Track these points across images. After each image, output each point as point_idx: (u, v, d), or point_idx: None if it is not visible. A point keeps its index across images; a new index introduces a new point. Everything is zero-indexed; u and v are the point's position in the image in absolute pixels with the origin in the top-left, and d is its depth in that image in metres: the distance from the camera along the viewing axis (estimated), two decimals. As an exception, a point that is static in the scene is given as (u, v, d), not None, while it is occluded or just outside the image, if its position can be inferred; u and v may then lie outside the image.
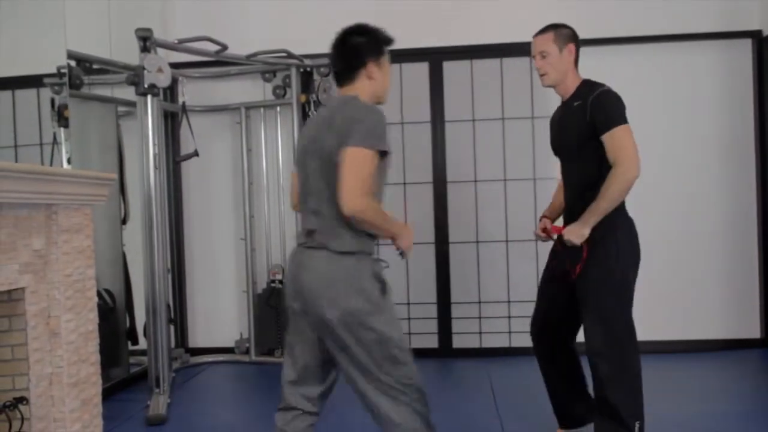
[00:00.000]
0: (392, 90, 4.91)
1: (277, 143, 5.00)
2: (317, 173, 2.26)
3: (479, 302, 4.84)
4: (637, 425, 2.66)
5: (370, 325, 2.17)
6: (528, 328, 4.80)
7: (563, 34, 2.86)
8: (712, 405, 3.62)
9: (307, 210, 2.31)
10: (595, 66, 4.78)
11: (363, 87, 2.38)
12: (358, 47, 2.39)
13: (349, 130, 2.17)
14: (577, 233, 2.65)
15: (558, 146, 2.96)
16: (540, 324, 3.04)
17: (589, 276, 2.73)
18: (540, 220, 3.05)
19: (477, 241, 4.80)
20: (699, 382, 4.09)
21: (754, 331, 4.75)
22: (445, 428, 3.23)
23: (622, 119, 2.77)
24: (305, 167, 2.32)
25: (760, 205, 4.71)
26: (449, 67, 4.89)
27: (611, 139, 2.72)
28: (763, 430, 3.20)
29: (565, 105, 2.89)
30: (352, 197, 2.12)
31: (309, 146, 2.31)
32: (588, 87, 2.83)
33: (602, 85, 2.82)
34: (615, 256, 2.76)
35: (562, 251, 2.83)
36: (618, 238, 2.79)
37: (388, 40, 2.46)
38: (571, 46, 2.85)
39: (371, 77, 2.38)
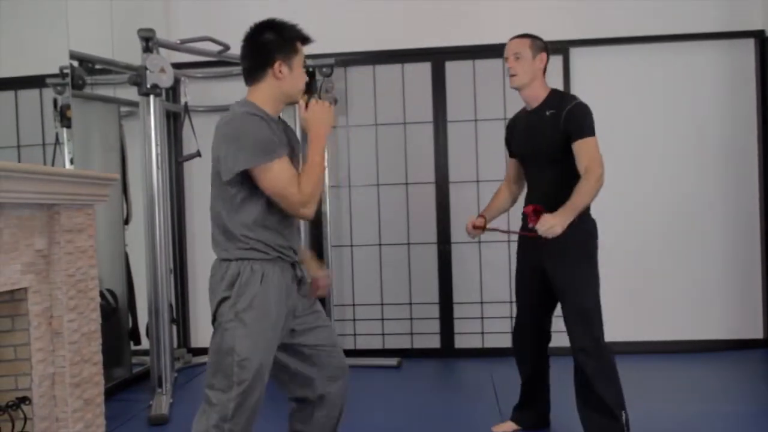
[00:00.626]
0: (395, 90, 4.94)
1: (280, 143, 5.00)
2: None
3: (481, 302, 4.84)
4: (623, 414, 2.85)
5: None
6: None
7: (538, 43, 2.99)
8: (714, 405, 3.62)
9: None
10: (595, 66, 4.81)
11: (269, 86, 2.28)
12: (266, 44, 2.28)
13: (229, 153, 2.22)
14: (561, 223, 2.74)
15: (527, 152, 3.09)
16: (526, 330, 3.20)
17: (574, 276, 2.92)
18: (477, 218, 3.19)
19: (479, 242, 4.80)
20: (701, 383, 4.09)
21: (757, 332, 4.74)
22: (447, 429, 3.24)
23: (592, 131, 2.98)
24: None
25: (763, 205, 4.70)
26: (451, 67, 4.89)
27: (585, 148, 2.90)
28: (765, 430, 3.20)
29: (535, 112, 3.01)
30: (300, 211, 2.21)
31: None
32: (559, 97, 2.99)
33: (574, 97, 2.99)
34: (593, 256, 3.00)
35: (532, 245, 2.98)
36: (594, 240, 3.04)
37: (301, 37, 2.35)
38: (543, 56, 2.99)
39: (278, 77, 2.26)
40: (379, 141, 4.97)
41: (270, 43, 2.28)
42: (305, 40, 2.36)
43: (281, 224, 2.29)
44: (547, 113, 2.96)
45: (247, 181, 2.21)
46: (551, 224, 2.71)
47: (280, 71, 2.25)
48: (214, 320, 2.32)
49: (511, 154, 3.26)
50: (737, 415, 3.41)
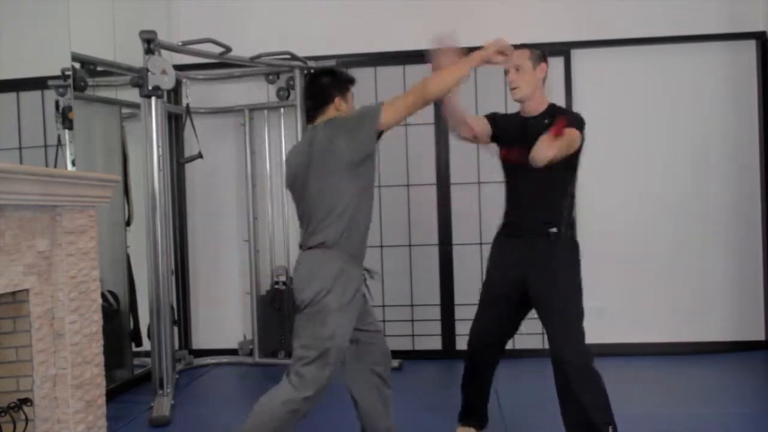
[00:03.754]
0: (396, 91, 4.89)
1: (281, 145, 5.00)
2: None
3: (483, 304, 4.83)
4: (610, 429, 2.73)
5: None
6: (530, 330, 4.80)
7: (537, 53, 2.96)
8: (716, 407, 3.61)
9: None
10: (596, 67, 4.81)
11: (331, 116, 2.73)
12: (325, 86, 2.74)
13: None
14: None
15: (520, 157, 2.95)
16: (484, 340, 3.13)
17: (559, 287, 2.90)
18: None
19: (480, 243, 4.80)
20: (703, 385, 4.08)
21: (759, 334, 4.73)
22: (448, 430, 3.24)
23: (580, 130, 2.91)
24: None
25: (765, 207, 4.70)
26: (453, 69, 4.88)
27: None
28: (767, 432, 3.20)
29: (534, 120, 2.96)
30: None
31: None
32: (559, 110, 3.00)
33: (572, 111, 3.04)
34: (578, 268, 2.98)
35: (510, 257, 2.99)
36: (577, 252, 3.00)
37: (351, 80, 2.83)
38: (543, 66, 2.97)
39: (338, 110, 2.73)
40: (380, 142, 4.95)
41: (329, 85, 2.75)
42: (353, 81, 2.84)
43: (367, 229, 2.70)
44: (545, 122, 2.90)
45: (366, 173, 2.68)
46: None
47: (339, 105, 2.74)
48: (305, 306, 2.62)
49: (494, 138, 3.14)
50: (739, 417, 3.40)
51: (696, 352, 4.70)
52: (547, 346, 4.93)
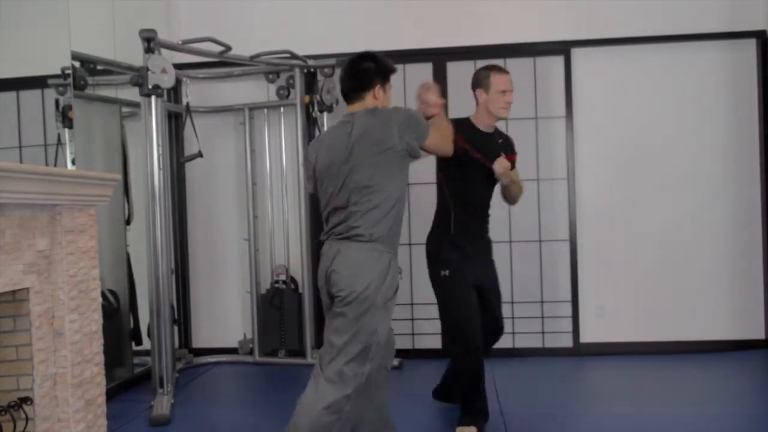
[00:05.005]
0: (395, 90, 4.91)
1: (281, 144, 5.00)
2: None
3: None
4: None
5: None
6: (529, 329, 4.83)
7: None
8: (716, 406, 3.61)
9: None
10: (596, 66, 4.81)
11: (369, 104, 2.71)
12: (368, 70, 2.73)
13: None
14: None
15: (483, 169, 3.26)
16: (479, 337, 3.21)
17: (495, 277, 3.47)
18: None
19: (481, 242, 4.80)
20: (703, 384, 4.08)
21: (759, 332, 4.73)
22: (448, 429, 3.24)
23: None
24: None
25: (765, 206, 4.70)
26: (453, 68, 4.88)
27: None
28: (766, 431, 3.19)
29: (490, 136, 3.33)
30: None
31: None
32: (498, 131, 3.45)
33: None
34: None
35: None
36: None
37: (393, 69, 2.81)
38: None
39: (376, 97, 2.71)
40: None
41: (371, 69, 2.76)
42: (395, 71, 2.83)
43: (401, 225, 2.71)
44: (499, 141, 3.37)
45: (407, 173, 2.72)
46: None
47: (378, 93, 2.74)
48: (350, 300, 2.50)
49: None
50: (738, 417, 3.40)
51: (696, 351, 4.70)
52: (547, 345, 4.97)
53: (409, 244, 4.92)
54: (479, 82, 3.24)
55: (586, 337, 4.82)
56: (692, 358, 4.58)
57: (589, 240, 4.82)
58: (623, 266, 4.79)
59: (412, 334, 4.92)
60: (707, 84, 4.75)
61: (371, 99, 2.69)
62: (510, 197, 3.40)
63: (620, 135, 4.79)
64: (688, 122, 4.76)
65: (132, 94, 4.19)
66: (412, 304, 4.91)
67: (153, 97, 3.88)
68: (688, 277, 4.76)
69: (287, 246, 4.99)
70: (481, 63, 4.81)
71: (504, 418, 3.44)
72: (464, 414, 3.23)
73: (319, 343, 4.82)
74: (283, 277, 4.91)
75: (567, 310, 4.82)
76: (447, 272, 3.18)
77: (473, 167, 3.23)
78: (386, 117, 2.61)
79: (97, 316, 3.25)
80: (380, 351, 2.56)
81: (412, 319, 4.91)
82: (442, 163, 3.26)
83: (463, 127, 3.23)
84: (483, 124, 3.28)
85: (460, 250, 3.23)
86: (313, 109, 4.78)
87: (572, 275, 4.80)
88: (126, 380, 4.28)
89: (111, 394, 3.76)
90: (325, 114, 4.79)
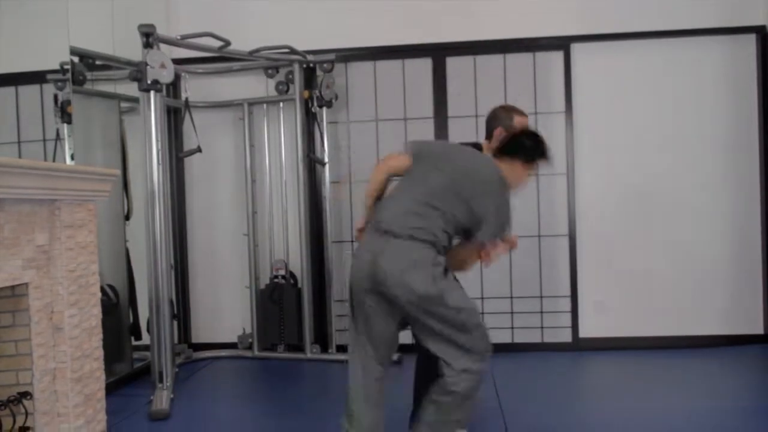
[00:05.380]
0: (395, 86, 4.94)
1: (280, 139, 5.00)
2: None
3: (482, 298, 4.84)
4: None
5: None
6: (528, 324, 4.81)
7: None
8: (715, 401, 3.62)
9: None
10: (596, 62, 4.81)
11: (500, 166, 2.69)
12: (523, 144, 2.73)
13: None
14: None
15: None
16: None
17: None
18: None
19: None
20: (702, 378, 4.09)
21: (757, 328, 4.74)
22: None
23: None
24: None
25: (764, 200, 4.70)
26: (452, 63, 4.88)
27: None
28: (765, 426, 3.20)
29: None
30: None
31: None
32: None
33: None
34: None
35: None
36: None
37: (543, 156, 2.75)
38: None
39: (510, 165, 2.69)
40: (379, 136, 4.97)
41: (525, 148, 2.72)
42: (544, 157, 2.77)
43: None
44: None
45: None
46: None
47: (512, 164, 2.71)
48: (436, 301, 2.49)
49: None
50: (736, 411, 3.41)
51: (695, 346, 4.71)
52: (546, 340, 4.97)
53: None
54: (500, 120, 3.11)
55: (585, 332, 4.83)
56: (691, 353, 4.58)
57: (588, 235, 4.82)
58: (622, 261, 4.79)
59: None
60: (707, 79, 4.75)
61: (506, 165, 2.68)
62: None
63: (620, 130, 4.79)
64: (687, 117, 4.76)
65: (131, 89, 4.18)
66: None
67: (152, 92, 3.88)
68: (687, 273, 4.77)
69: (286, 241, 4.99)
70: (481, 58, 4.87)
71: (503, 413, 3.45)
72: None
73: (317, 338, 4.84)
74: (282, 272, 4.91)
75: (566, 305, 4.83)
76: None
77: None
78: (498, 186, 2.63)
79: (97, 311, 3.25)
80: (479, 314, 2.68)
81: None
82: None
83: None
84: None
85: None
86: (313, 104, 4.78)
87: (571, 270, 4.80)
88: (125, 375, 4.28)
89: (110, 389, 3.76)
90: (324, 109, 4.79)
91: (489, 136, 3.14)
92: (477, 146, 3.12)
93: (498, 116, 3.12)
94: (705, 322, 4.77)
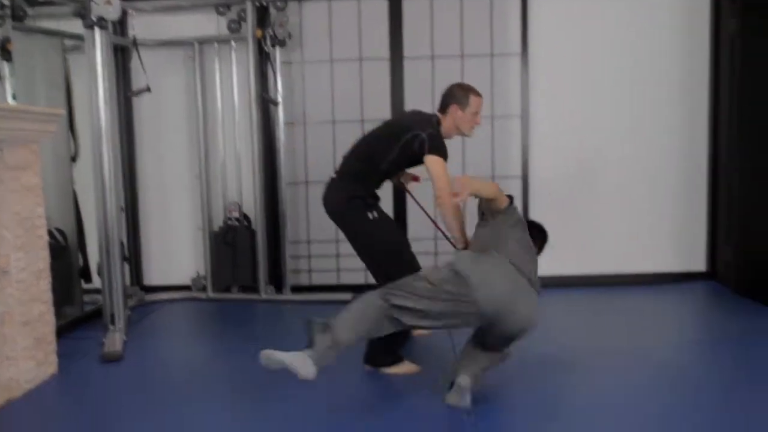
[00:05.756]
0: (350, 26, 4.85)
1: (233, 79, 4.90)
2: None
3: (435, 239, 4.89)
4: None
5: None
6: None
7: None
8: (660, 336, 3.77)
9: None
10: (553, 4, 4.79)
11: None
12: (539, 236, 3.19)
13: None
14: None
15: None
16: None
17: None
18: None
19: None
20: (647, 314, 4.23)
21: (700, 265, 4.92)
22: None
23: None
24: None
25: (711, 142, 4.81)
26: (408, 2, 4.80)
27: None
28: (709, 358, 3.34)
29: None
30: None
31: None
32: None
33: None
34: None
35: None
36: None
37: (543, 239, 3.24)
38: None
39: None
40: (334, 77, 4.90)
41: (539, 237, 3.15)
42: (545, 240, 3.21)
43: None
44: None
45: None
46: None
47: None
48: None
49: None
50: (682, 345, 3.56)
51: (640, 283, 4.86)
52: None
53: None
54: (457, 98, 3.26)
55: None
56: (636, 290, 4.73)
57: (539, 176, 4.89)
58: (572, 202, 4.88)
59: (365, 269, 4.96)
60: (662, 24, 4.77)
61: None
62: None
63: (575, 73, 4.82)
64: (641, 62, 4.80)
65: (75, 26, 4.03)
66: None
67: (97, 30, 3.75)
68: (634, 212, 4.89)
69: (240, 183, 4.95)
70: (438, 0, 4.80)
71: (456, 353, 3.53)
72: (388, 352, 3.28)
73: (272, 279, 4.86)
74: (236, 214, 4.89)
75: (517, 246, 4.92)
76: (374, 214, 3.22)
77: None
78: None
79: (44, 255, 3.22)
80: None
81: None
82: (402, 158, 3.24)
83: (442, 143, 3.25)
84: (446, 136, 3.31)
85: (378, 203, 3.32)
86: (266, 44, 4.68)
87: (523, 211, 4.88)
88: (77, 318, 4.25)
89: (62, 332, 3.75)
90: (277, 49, 4.70)
91: (443, 110, 3.29)
92: (434, 118, 3.27)
93: (455, 94, 3.28)
94: (649, 260, 4.92)
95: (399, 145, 3.18)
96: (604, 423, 2.65)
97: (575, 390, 3.02)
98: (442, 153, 3.16)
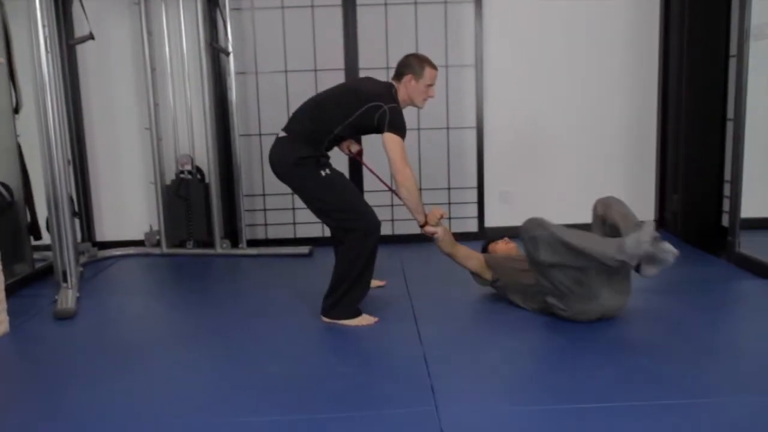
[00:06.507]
0: (301, -29, 4.73)
1: (181, 27, 4.73)
2: None
3: (392, 190, 4.87)
4: None
5: None
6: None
7: None
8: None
9: None
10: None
11: None
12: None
13: None
14: None
15: None
16: None
17: None
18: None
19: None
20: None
21: (650, 215, 5.04)
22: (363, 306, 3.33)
23: None
24: None
25: (660, 95, 4.88)
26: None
27: None
28: (661, 303, 3.44)
29: None
30: None
31: None
32: None
33: None
34: None
35: None
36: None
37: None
38: None
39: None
40: (286, 25, 4.78)
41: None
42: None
43: None
44: None
45: None
46: None
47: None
48: None
49: None
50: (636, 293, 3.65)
51: (592, 233, 4.95)
52: (454, 230, 5.09)
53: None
54: (412, 68, 3.26)
55: (490, 221, 4.99)
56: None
57: (494, 127, 4.90)
58: (527, 153, 4.92)
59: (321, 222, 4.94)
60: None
61: None
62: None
63: (528, 19, 4.80)
64: (592, 11, 4.80)
65: (11, -32, 3.82)
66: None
67: (35, -27, 3.56)
68: (587, 164, 4.97)
69: (191, 135, 4.83)
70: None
71: (412, 301, 3.56)
72: (347, 305, 3.26)
73: (227, 233, 4.79)
74: (188, 167, 4.79)
75: (473, 196, 4.95)
76: (327, 171, 3.20)
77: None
78: None
79: (-11, 210, 3.10)
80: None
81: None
82: (359, 126, 3.22)
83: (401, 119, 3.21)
84: (401, 104, 3.28)
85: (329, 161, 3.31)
86: (214, -10, 4.53)
87: (478, 162, 4.90)
88: (27, 275, 4.13)
89: (12, 290, 3.65)
90: (226, -5, 4.55)
91: (398, 78, 3.30)
92: (392, 88, 3.27)
93: (410, 64, 3.29)
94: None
95: (359, 112, 3.16)
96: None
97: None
98: (401, 131, 3.15)
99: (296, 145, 3.20)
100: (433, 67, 3.29)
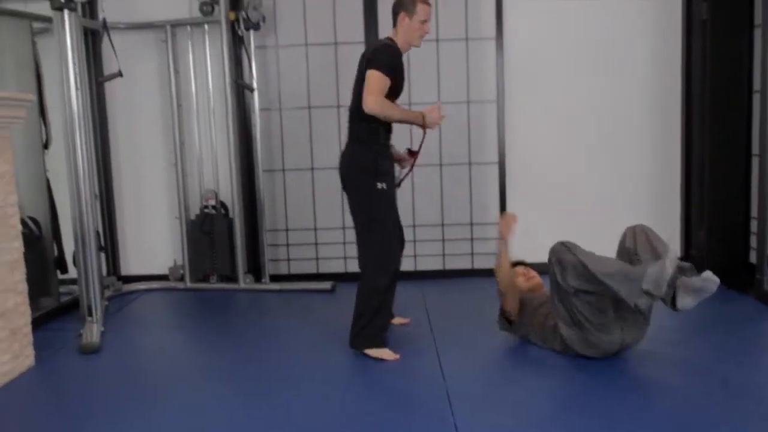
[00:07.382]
0: (325, 9, 4.79)
1: (206, 64, 4.81)
2: None
3: (414, 226, 4.88)
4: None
5: None
6: (458, 251, 4.88)
7: None
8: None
9: None
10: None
11: None
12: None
13: None
14: None
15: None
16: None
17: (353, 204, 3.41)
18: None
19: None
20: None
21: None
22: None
23: None
24: None
25: (684, 129, 4.84)
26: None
27: None
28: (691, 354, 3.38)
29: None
30: None
31: None
32: None
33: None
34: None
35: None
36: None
37: None
38: None
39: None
40: (309, 62, 4.85)
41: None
42: None
43: None
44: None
45: None
46: None
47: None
48: None
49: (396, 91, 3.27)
50: (654, 329, 3.60)
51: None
52: (476, 267, 5.06)
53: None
54: (404, 6, 3.21)
55: (514, 257, 4.94)
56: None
57: (517, 163, 4.89)
58: (548, 189, 4.89)
59: (344, 257, 4.95)
60: (636, 5, 4.78)
61: None
62: None
63: (550, 57, 4.81)
64: (617, 43, 4.80)
65: (43, 8, 3.91)
66: (343, 227, 4.91)
67: (66, 11, 3.64)
68: (611, 201, 4.91)
69: (216, 170, 4.88)
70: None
71: (434, 335, 3.54)
72: (371, 334, 3.26)
73: (251, 268, 4.81)
74: (212, 202, 4.82)
75: (495, 231, 4.93)
76: (384, 185, 3.14)
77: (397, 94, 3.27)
78: None
79: (18, 244, 3.14)
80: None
81: (344, 243, 4.93)
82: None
83: (399, 59, 3.21)
84: (402, 49, 3.25)
85: (390, 161, 3.24)
86: (239, 27, 4.60)
87: (501, 197, 4.88)
88: (53, 309, 4.16)
89: (38, 324, 3.67)
90: (251, 32, 4.63)
91: (394, 23, 3.26)
92: (386, 39, 3.25)
93: (402, 2, 3.23)
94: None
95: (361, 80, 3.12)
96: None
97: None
98: (385, 67, 3.06)
99: (353, 152, 3.23)
100: (425, 2, 3.21)
